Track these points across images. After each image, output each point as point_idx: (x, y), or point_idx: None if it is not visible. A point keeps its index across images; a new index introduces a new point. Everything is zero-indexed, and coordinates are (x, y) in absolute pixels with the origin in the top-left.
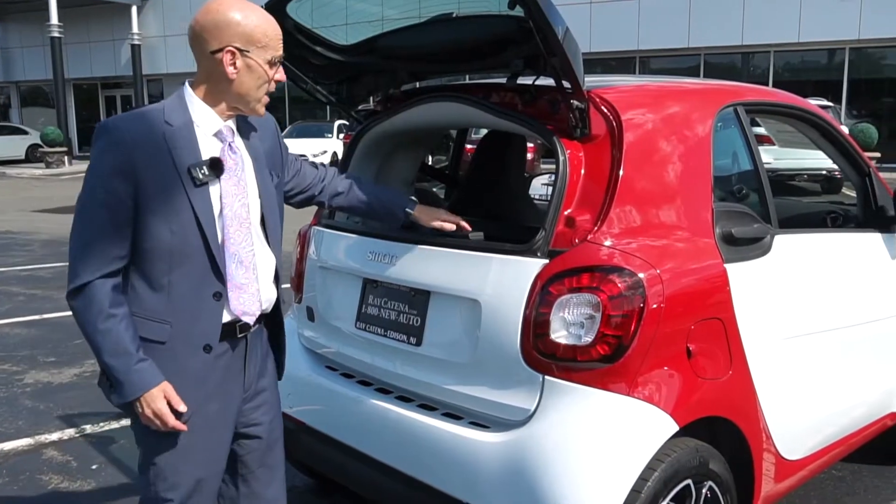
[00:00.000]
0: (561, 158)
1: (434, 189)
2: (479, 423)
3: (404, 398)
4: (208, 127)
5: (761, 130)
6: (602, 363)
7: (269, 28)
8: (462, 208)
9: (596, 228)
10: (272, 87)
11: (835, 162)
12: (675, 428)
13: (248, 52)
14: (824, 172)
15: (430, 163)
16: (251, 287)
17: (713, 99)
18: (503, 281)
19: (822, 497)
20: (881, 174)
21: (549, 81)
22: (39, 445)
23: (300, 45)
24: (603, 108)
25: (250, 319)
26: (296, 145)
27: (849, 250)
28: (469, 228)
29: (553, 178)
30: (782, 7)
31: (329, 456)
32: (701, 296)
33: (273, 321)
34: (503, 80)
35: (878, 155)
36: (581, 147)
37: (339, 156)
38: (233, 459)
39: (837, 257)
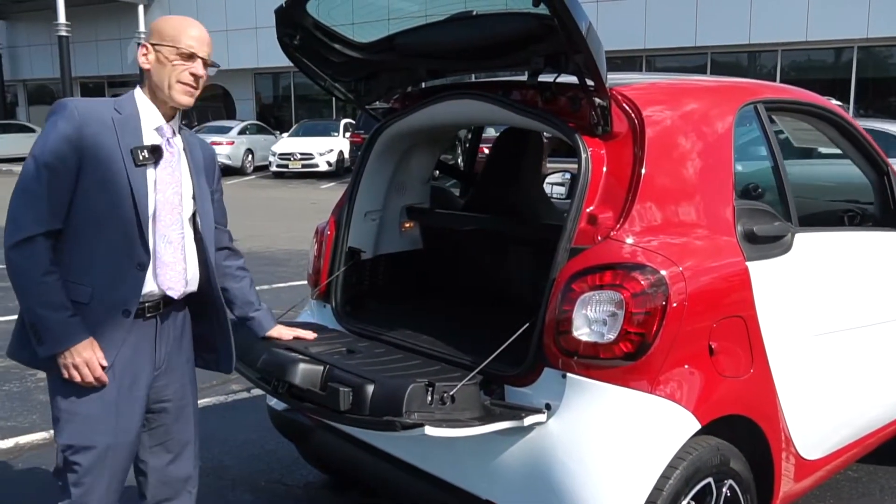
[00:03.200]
0: (583, 156)
1: (447, 186)
2: None
3: None
4: (151, 121)
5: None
6: (624, 360)
7: (182, 27)
8: (478, 205)
9: (618, 226)
10: (188, 78)
11: (853, 161)
12: (696, 426)
13: (158, 45)
14: None
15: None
16: (178, 266)
17: (733, 96)
18: None
19: (837, 497)
20: None
21: (570, 79)
22: (53, 439)
23: (319, 43)
24: (624, 104)
25: (174, 294)
26: (302, 144)
27: (868, 249)
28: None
29: (566, 175)
30: (789, 6)
31: (345, 452)
32: (723, 293)
33: (210, 311)
34: (522, 78)
35: None
36: (603, 144)
37: (346, 154)
38: (142, 434)
39: (857, 256)
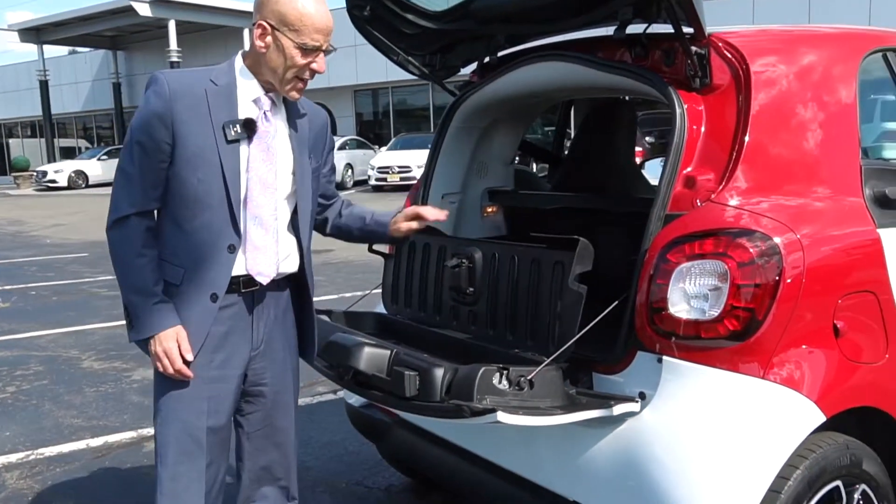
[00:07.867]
0: (678, 111)
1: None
2: None
3: None
4: (248, 93)
5: None
6: (731, 341)
7: (307, 15)
8: (566, 186)
9: (720, 188)
10: (305, 74)
11: None
12: (820, 418)
13: (279, 30)
14: None
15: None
16: (269, 249)
17: (857, 44)
18: None
19: None
20: None
21: (663, 30)
22: (141, 439)
23: (390, 13)
24: (727, 53)
25: (264, 280)
26: (400, 157)
27: None
28: (442, 217)
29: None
30: None
31: (425, 451)
32: (849, 265)
33: (299, 295)
34: (608, 33)
35: None
36: (701, 99)
37: None
38: (238, 418)
39: None
